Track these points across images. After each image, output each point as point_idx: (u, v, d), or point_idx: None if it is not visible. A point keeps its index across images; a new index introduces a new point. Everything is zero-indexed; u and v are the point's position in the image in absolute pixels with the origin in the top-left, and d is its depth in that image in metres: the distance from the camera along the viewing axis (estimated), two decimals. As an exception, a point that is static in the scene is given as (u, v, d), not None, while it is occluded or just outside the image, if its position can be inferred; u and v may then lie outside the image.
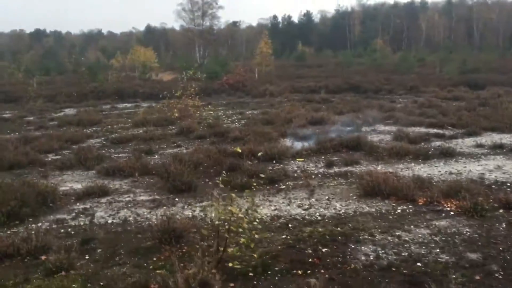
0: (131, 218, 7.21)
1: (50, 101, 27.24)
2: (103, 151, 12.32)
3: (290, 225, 6.70)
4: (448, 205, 7.12)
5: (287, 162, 10.56)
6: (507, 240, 5.84)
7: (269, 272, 5.24)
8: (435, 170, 9.37)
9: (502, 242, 5.77)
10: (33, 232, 6.15)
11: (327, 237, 6.13)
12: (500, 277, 4.93)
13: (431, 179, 8.53)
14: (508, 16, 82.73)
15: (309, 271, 5.21)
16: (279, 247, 5.88)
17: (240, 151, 5.65)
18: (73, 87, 30.63)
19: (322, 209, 7.32)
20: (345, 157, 10.56)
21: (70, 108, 24.61)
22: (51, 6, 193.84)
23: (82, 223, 7.02)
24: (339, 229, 6.41)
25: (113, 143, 13.62)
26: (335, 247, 5.83)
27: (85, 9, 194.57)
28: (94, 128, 16.76)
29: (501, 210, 6.87)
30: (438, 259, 5.39)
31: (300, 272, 5.20)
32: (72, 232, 6.66)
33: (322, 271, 5.21)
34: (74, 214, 7.47)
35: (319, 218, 6.95)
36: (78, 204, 8.00)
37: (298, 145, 12.14)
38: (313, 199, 7.83)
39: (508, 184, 8.26)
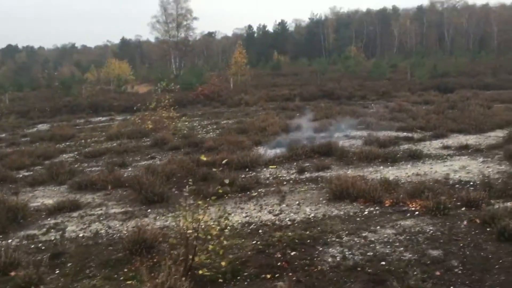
0: (102, 231, 7.23)
1: (23, 117, 26.86)
2: (76, 166, 12.27)
3: (260, 231, 6.82)
4: (413, 205, 7.34)
5: (259, 169, 10.70)
6: (468, 236, 6.07)
7: (238, 278, 5.34)
8: (403, 172, 9.62)
9: (462, 239, 6.00)
10: (2, 248, 6.13)
11: (296, 241, 6.26)
12: (460, 272, 5.13)
13: (398, 181, 8.76)
14: (477, 21, 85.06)
15: (277, 275, 5.33)
16: (249, 253, 5.99)
17: (204, 158, 5.74)
18: (47, 102, 30.30)
19: (292, 214, 7.47)
20: (316, 163, 10.75)
21: (43, 123, 24.33)
22: (23, 21, 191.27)
23: (52, 238, 7.01)
24: (308, 232, 6.56)
25: (86, 157, 13.55)
26: (303, 250, 5.96)
27: (58, 24, 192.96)
28: (67, 143, 16.63)
29: (463, 208, 7.11)
30: (402, 257, 5.57)
31: (268, 276, 5.32)
32: (43, 247, 6.65)
33: (290, 274, 5.33)
34: (44, 229, 7.45)
35: (289, 223, 7.08)
36: (49, 219, 7.98)
37: (271, 152, 12.30)
38: (284, 205, 7.97)
39: (471, 183, 8.54)
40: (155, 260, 5.90)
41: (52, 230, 7.39)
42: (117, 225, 7.46)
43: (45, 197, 9.48)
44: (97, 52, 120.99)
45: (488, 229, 6.18)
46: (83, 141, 16.90)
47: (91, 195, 9.35)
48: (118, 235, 6.99)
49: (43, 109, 27.98)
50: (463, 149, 11.40)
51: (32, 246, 6.70)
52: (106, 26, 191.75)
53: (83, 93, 33.58)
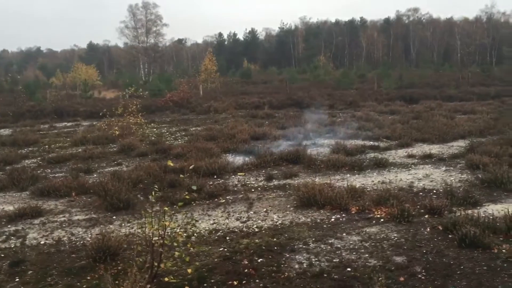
0: (65, 238, 7.04)
1: (-16, 122, 25.98)
2: (39, 172, 11.92)
3: (227, 237, 6.79)
4: (379, 213, 7.47)
5: (228, 176, 10.67)
6: (431, 243, 6.21)
7: (205, 285, 5.30)
8: (369, 180, 9.78)
9: (425, 245, 6.13)
10: (-42, 256, 5.89)
11: (263, 248, 6.26)
12: (423, 277, 5.23)
13: (365, 188, 8.90)
14: (441, 34, 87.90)
15: (244, 282, 5.31)
16: (215, 260, 5.95)
17: (171, 164, 5.69)
18: (9, 107, 29.39)
19: (259, 221, 7.47)
20: (284, 170, 10.80)
21: (5, 128, 23.57)
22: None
23: (12, 245, 6.78)
24: (275, 239, 6.57)
25: (49, 163, 13.18)
26: (270, 257, 5.97)
27: (23, 27, 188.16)
28: (30, 148, 16.15)
29: (426, 216, 7.27)
30: (367, 263, 5.64)
31: (235, 283, 5.29)
32: (2, 255, 6.41)
33: (257, 281, 5.32)
34: (4, 236, 7.19)
35: (256, 230, 7.08)
36: (9, 226, 7.71)
37: (240, 159, 12.29)
38: (252, 212, 7.97)
39: (435, 191, 8.75)
40: (119, 267, 5.79)
41: (12, 237, 7.14)
42: (81, 232, 7.28)
43: (5, 203, 9.15)
44: (63, 56, 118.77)
45: (450, 236, 6.34)
46: (47, 146, 16.46)
47: (54, 202, 9.09)
48: (81, 242, 6.82)
49: (5, 114, 27.13)
50: (427, 158, 11.68)
51: (-9, 254, 6.47)
52: (73, 30, 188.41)
53: (47, 98, 32.75)
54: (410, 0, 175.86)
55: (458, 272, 5.31)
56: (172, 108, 28.68)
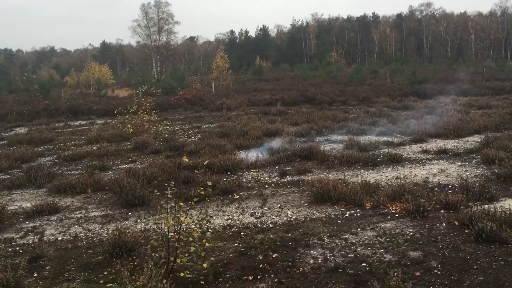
0: (82, 234, 7.13)
1: (0, 121, 26.34)
2: (55, 169, 12.07)
3: (242, 233, 6.82)
4: (393, 208, 7.44)
5: (241, 173, 10.70)
6: (446, 238, 6.17)
7: (220, 280, 5.33)
8: (383, 176, 9.73)
9: (441, 240, 6.09)
10: (-22, 252, 6.01)
11: (278, 243, 6.29)
12: (439, 272, 5.21)
13: (379, 184, 8.86)
14: (455, 29, 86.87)
15: (259, 277, 5.34)
16: (230, 255, 5.98)
17: (187, 160, 5.72)
18: (25, 106, 29.73)
19: (274, 217, 7.48)
20: (298, 167, 10.80)
21: (21, 127, 23.88)
22: (1, 24, 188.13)
23: (31, 241, 6.89)
24: (289, 235, 6.59)
25: (65, 161, 13.35)
26: (285, 252, 5.98)
27: (38, 27, 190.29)
28: (46, 146, 16.36)
29: (442, 211, 7.23)
30: (382, 258, 5.63)
31: (250, 278, 5.32)
32: (20, 251, 6.53)
33: (272, 275, 5.34)
34: (22, 232, 7.32)
35: (270, 225, 7.10)
36: (27, 222, 7.84)
37: (253, 156, 12.31)
38: (266, 208, 7.99)
39: (450, 186, 8.68)
40: (135, 263, 5.86)
41: (30, 233, 7.26)
42: (97, 228, 7.37)
43: (23, 200, 9.30)
44: (77, 55, 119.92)
45: (466, 231, 6.30)
46: (62, 144, 16.64)
47: (70, 199, 9.21)
48: (98, 238, 6.91)
49: (21, 113, 27.47)
50: (441, 153, 11.57)
51: (10, 249, 6.58)
52: (87, 29, 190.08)
53: (62, 97, 33.06)
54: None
55: (475, 267, 5.28)
56: (185, 106, 28.78)
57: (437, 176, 9.46)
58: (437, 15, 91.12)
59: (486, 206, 7.12)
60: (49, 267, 5.90)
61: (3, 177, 11.64)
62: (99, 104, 30.35)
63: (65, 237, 7.02)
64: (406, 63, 63.95)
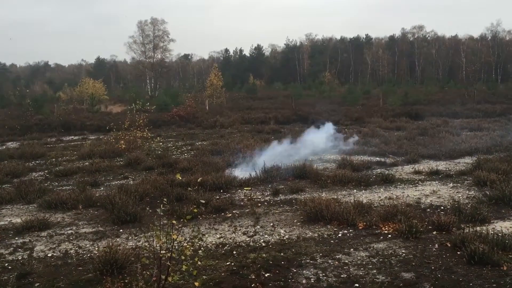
0: (72, 251, 7.05)
1: (-9, 135, 26.16)
2: (46, 184, 11.97)
3: (234, 252, 6.77)
4: (386, 228, 7.45)
5: (234, 191, 10.67)
6: (439, 259, 6.17)
7: (212, 299, 5.28)
8: (375, 196, 9.75)
9: (434, 262, 6.09)
10: (-34, 267, 5.92)
11: (271, 262, 6.25)
12: (431, 294, 5.19)
13: (371, 204, 8.87)
14: (446, 51, 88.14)
15: (251, 296, 5.29)
16: (223, 274, 5.94)
17: (180, 177, 5.70)
18: (17, 120, 29.59)
19: (266, 236, 7.45)
20: (291, 185, 10.79)
21: (13, 141, 23.72)
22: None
23: (20, 258, 6.80)
24: (282, 254, 6.56)
25: (57, 176, 13.25)
26: (277, 271, 5.95)
27: (32, 42, 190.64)
28: (38, 161, 16.24)
29: (434, 232, 7.24)
30: (375, 279, 5.61)
31: (242, 297, 5.27)
32: (9, 267, 6.43)
33: (264, 295, 5.30)
34: (12, 248, 7.22)
35: (263, 244, 7.06)
36: (16, 238, 7.73)
37: (246, 174, 12.29)
38: (258, 226, 7.96)
39: (442, 207, 8.72)
40: (126, 280, 5.79)
41: (20, 249, 7.16)
42: (88, 245, 7.29)
43: (13, 216, 9.19)
44: (71, 70, 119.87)
45: (458, 253, 6.31)
46: (54, 159, 16.54)
47: (61, 215, 9.12)
48: (88, 255, 6.83)
49: (13, 127, 27.32)
50: (433, 175, 11.63)
51: (-2, 265, 6.48)
52: (82, 45, 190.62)
53: (55, 112, 32.96)
54: (416, 18, 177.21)
55: (467, 289, 5.27)
56: (178, 123, 28.80)
57: (430, 197, 9.49)
58: (429, 37, 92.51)
59: (478, 228, 7.14)
60: (38, 284, 5.81)
61: (-7, 191, 11.50)
62: (92, 119, 30.28)
63: (55, 254, 6.94)
64: (398, 84, 64.63)
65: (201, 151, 16.31)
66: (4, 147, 21.50)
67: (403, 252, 6.46)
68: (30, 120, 29.35)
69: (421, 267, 5.95)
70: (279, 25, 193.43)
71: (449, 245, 6.63)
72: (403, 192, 10.02)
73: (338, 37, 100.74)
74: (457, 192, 9.83)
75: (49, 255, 6.90)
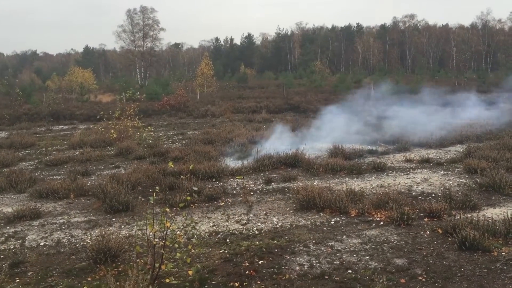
0: (64, 240, 7.02)
1: (-20, 124, 25.89)
2: (37, 174, 11.89)
3: (228, 240, 6.79)
4: (378, 216, 7.50)
5: (226, 180, 10.67)
6: (430, 246, 6.24)
7: (206, 286, 5.30)
8: (367, 184, 9.81)
9: (425, 248, 6.16)
10: (-43, 257, 5.88)
11: (264, 250, 6.28)
12: (423, 279, 5.26)
13: (363, 192, 8.92)
14: (437, 40, 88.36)
15: (245, 283, 5.32)
16: (216, 261, 5.96)
17: (172, 166, 5.68)
18: (5, 110, 29.25)
19: (259, 224, 7.47)
20: (283, 174, 10.81)
21: (1, 131, 23.49)
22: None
23: (12, 247, 6.76)
24: (275, 242, 6.59)
25: (47, 166, 13.15)
26: (271, 259, 5.98)
27: (19, 30, 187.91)
28: (27, 151, 16.10)
29: (425, 219, 7.31)
30: (367, 265, 5.66)
31: (236, 284, 5.30)
32: (1, 256, 6.39)
33: (258, 282, 5.33)
34: (3, 238, 7.18)
35: (256, 232, 7.09)
36: (8, 227, 7.69)
37: (238, 163, 12.29)
38: (251, 215, 7.98)
39: (433, 195, 8.80)
40: (120, 269, 5.79)
41: (12, 238, 7.12)
42: (80, 234, 7.27)
43: (3, 205, 9.12)
44: (59, 60, 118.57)
45: (449, 239, 6.38)
46: (44, 149, 16.40)
47: (53, 204, 9.07)
48: (81, 244, 6.81)
49: (2, 116, 27.03)
50: (424, 163, 11.73)
51: (-10, 255, 6.44)
52: (70, 34, 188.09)
53: (44, 101, 32.61)
54: (407, 7, 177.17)
55: (459, 275, 5.34)
56: (169, 112, 28.66)
57: (421, 185, 9.57)
58: (420, 26, 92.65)
59: (469, 215, 7.21)
60: (31, 272, 5.79)
61: (-17, 181, 11.40)
62: (81, 109, 30.02)
63: (47, 243, 6.91)
64: (389, 73, 64.77)
65: (192, 140, 16.27)
66: (-7, 136, 21.26)
67: (395, 239, 6.52)
68: (18, 109, 29.03)
69: (413, 253, 6.01)
70: (270, 14, 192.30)
71: (440, 231, 6.70)
72: (395, 180, 10.09)
73: (329, 26, 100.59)
74: (448, 180, 9.92)
75: (42, 244, 6.87)
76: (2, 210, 8.77)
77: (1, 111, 28.75)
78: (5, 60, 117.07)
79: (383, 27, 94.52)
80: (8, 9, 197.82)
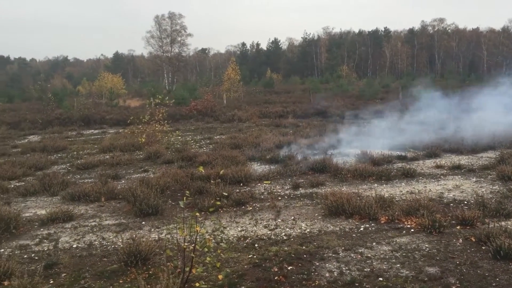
0: (96, 242, 7.15)
1: (14, 128, 26.66)
2: (69, 177, 12.15)
3: (256, 245, 6.79)
4: (409, 223, 7.38)
5: (254, 184, 10.68)
6: (464, 254, 6.10)
7: (235, 291, 5.30)
8: (397, 190, 9.67)
9: (458, 256, 6.02)
10: (-6, 257, 6.07)
11: (293, 255, 6.25)
12: (457, 289, 5.14)
13: (393, 198, 8.79)
14: (467, 44, 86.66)
15: (274, 289, 5.30)
16: (245, 266, 5.96)
17: (202, 170, 5.72)
18: (38, 114, 30.09)
19: (288, 229, 7.45)
20: (311, 179, 10.76)
21: (34, 135, 24.15)
22: (16, 33, 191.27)
23: (46, 248, 6.92)
24: (304, 247, 6.55)
25: (78, 169, 13.45)
26: (300, 265, 5.95)
27: (52, 36, 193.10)
28: (59, 155, 16.50)
29: (458, 227, 7.15)
30: (399, 273, 5.57)
31: (265, 290, 5.29)
32: (36, 258, 6.55)
33: (288, 288, 5.31)
34: (37, 239, 7.35)
35: (285, 237, 7.06)
36: (42, 229, 7.88)
37: (265, 168, 12.30)
38: (279, 220, 7.96)
39: (466, 202, 8.60)
40: (150, 272, 5.85)
41: (45, 240, 7.29)
42: (111, 237, 7.39)
43: (37, 208, 9.37)
44: (89, 65, 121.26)
45: (483, 248, 6.22)
46: (75, 153, 16.79)
47: (84, 207, 9.26)
48: (112, 246, 6.92)
49: (35, 121, 27.80)
50: (456, 169, 11.48)
51: (25, 256, 6.62)
52: (100, 40, 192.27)
53: (75, 106, 33.41)
54: (436, 11, 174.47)
55: (494, 284, 5.20)
56: (196, 117, 28.95)
57: (452, 192, 9.38)
58: (449, 30, 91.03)
59: (503, 223, 7.04)
60: (64, 274, 5.91)
61: (18, 184, 11.75)
62: (111, 113, 30.61)
63: (79, 245, 7.05)
64: (418, 78, 63.81)
65: (220, 145, 16.36)
66: (26, 140, 21.90)
67: (426, 247, 6.40)
68: (51, 114, 29.81)
69: (445, 261, 5.88)
70: (297, 19, 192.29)
71: (473, 240, 6.54)
72: (425, 186, 9.91)
73: (356, 31, 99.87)
74: (480, 187, 9.69)
75: (74, 246, 7.02)
76: (36, 212, 9.00)
77: (34, 115, 29.59)
78: (38, 66, 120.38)
79: (411, 31, 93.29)
80: (41, 16, 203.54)
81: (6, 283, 5.46)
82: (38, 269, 5.73)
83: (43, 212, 8.77)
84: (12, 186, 11.52)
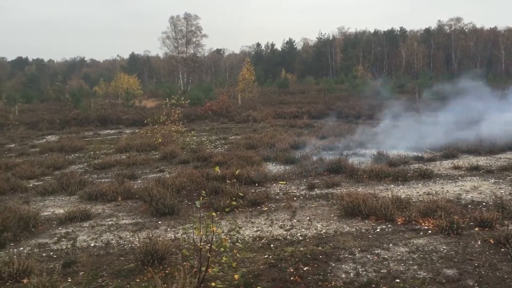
0: (113, 241, 7.22)
1: (32, 129, 27.07)
2: (86, 177, 12.29)
3: (272, 245, 6.79)
4: (426, 224, 7.31)
5: (269, 185, 10.68)
6: (482, 256, 6.02)
7: (251, 291, 5.31)
8: (414, 191, 9.58)
9: (477, 259, 5.94)
10: (14, 256, 6.17)
11: (309, 256, 6.24)
12: (475, 291, 5.08)
13: (410, 199, 8.71)
14: (485, 44, 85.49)
15: (290, 289, 5.30)
16: (261, 267, 5.96)
17: (218, 170, 5.74)
18: (56, 114, 30.50)
19: (303, 230, 7.44)
20: (326, 180, 10.72)
21: (52, 135, 24.49)
22: (33, 34, 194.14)
23: (64, 247, 7.02)
24: (320, 248, 6.53)
25: (95, 169, 13.60)
26: (316, 265, 5.93)
27: (69, 37, 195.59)
28: (77, 154, 16.71)
29: (476, 228, 7.06)
30: (416, 275, 5.52)
31: (281, 290, 5.28)
32: (54, 256, 6.65)
33: (303, 289, 5.30)
34: (56, 238, 7.46)
35: (300, 238, 7.05)
36: (60, 228, 7.99)
37: (280, 168, 12.29)
38: (295, 220, 7.95)
39: (484, 203, 8.49)
40: (166, 271, 5.89)
41: (63, 239, 7.39)
42: (128, 236, 7.46)
43: (55, 207, 9.50)
44: (106, 66, 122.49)
45: (502, 250, 6.13)
46: (92, 152, 16.98)
47: (101, 206, 9.36)
48: (129, 245, 6.98)
49: (52, 121, 28.19)
50: (474, 170, 11.34)
51: (44, 254, 6.71)
52: (116, 41, 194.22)
53: (92, 106, 33.80)
54: (452, 10, 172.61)
55: (513, 287, 5.13)
56: (211, 117, 29.05)
57: (470, 193, 9.26)
58: (467, 30, 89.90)
59: (523, 225, 6.92)
60: (82, 272, 5.99)
61: (36, 183, 11.93)
62: (127, 114, 30.90)
63: (97, 244, 7.13)
64: (434, 77, 63.16)
65: (235, 145, 16.40)
66: (44, 140, 22.21)
67: (444, 248, 6.33)
68: (68, 114, 30.19)
69: (463, 263, 5.81)
70: (312, 19, 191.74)
71: (492, 241, 6.45)
72: (443, 187, 9.80)
73: (372, 31, 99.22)
74: (499, 188, 9.55)
75: (92, 245, 7.10)
76: (54, 211, 9.12)
77: (52, 116, 30.00)
78: (55, 67, 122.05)
79: (427, 30, 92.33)
80: (58, 17, 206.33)
81: (25, 281, 5.55)
82: (57, 268, 5.80)
83: (61, 211, 8.89)
84: (31, 185, 11.70)
